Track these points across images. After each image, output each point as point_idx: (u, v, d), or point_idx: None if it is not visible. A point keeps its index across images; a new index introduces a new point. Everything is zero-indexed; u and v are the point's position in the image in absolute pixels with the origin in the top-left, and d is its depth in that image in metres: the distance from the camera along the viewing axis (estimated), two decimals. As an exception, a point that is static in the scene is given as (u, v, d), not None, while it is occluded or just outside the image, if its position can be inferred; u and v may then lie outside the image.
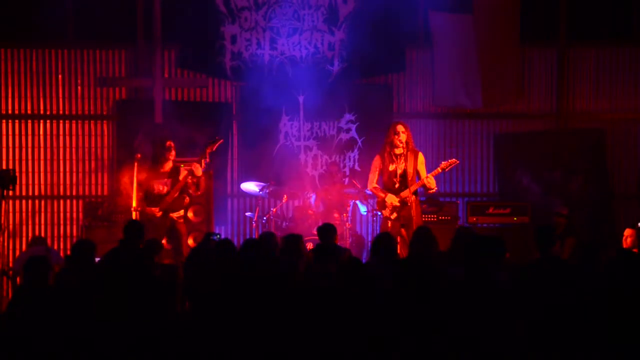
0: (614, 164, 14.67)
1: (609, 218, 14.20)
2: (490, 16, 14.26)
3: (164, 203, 11.36)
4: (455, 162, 11.23)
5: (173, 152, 11.55)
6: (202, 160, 11.41)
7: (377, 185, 11.38)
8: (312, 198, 13.15)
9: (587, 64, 14.98)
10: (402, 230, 11.08)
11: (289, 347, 6.15)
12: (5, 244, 13.38)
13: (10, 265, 12.72)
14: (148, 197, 11.42)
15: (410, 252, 8.36)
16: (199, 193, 11.86)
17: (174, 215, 11.47)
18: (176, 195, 11.40)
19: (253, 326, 6.26)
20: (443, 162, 11.21)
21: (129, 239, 9.17)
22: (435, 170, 11.17)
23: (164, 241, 11.28)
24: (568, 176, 14.29)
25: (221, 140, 11.81)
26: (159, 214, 11.34)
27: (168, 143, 11.54)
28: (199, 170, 11.32)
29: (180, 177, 11.38)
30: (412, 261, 7.71)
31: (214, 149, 11.62)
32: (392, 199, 11.10)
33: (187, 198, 11.82)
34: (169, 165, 11.54)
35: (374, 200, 11.97)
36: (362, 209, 13.01)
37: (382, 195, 11.21)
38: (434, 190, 11.21)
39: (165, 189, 11.43)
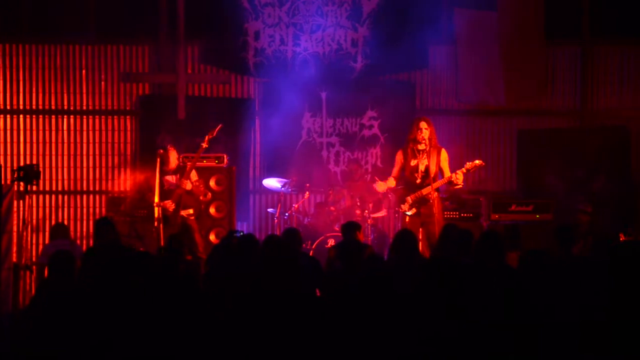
0: (638, 162, 14.57)
1: (633, 216, 14.10)
2: (514, 13, 14.20)
3: (175, 197, 11.53)
4: (481, 163, 11.13)
5: (172, 152, 11.87)
6: (202, 146, 11.62)
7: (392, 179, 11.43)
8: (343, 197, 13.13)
9: (611, 61, 14.90)
10: (421, 227, 11.08)
11: (312, 344, 6.14)
12: (29, 238, 13.44)
13: (34, 259, 12.76)
14: (161, 193, 11.54)
15: (437, 251, 8.33)
16: (209, 197, 12.04)
17: (184, 212, 11.60)
18: (187, 189, 11.55)
19: (272, 326, 6.26)
20: (468, 163, 11.12)
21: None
22: (459, 171, 11.09)
23: None
24: (591, 174, 14.21)
25: (220, 125, 11.93)
26: (172, 207, 11.48)
27: (160, 151, 11.78)
28: (187, 185, 11.54)
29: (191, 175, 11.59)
30: (439, 261, 7.66)
31: (214, 134, 11.75)
32: (380, 187, 11.26)
33: (209, 194, 11.90)
34: (175, 163, 11.85)
35: (394, 197, 11.94)
36: (380, 213, 13.05)
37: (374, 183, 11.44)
38: (460, 186, 11.17)
39: (173, 186, 11.62)
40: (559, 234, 8.24)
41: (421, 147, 11.15)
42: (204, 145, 11.69)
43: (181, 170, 11.70)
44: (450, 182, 11.02)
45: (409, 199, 11.14)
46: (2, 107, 14.32)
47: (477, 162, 11.17)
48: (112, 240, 9.66)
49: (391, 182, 11.36)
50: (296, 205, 13.03)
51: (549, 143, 14.44)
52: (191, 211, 11.74)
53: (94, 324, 6.42)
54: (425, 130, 11.13)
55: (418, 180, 11.14)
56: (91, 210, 14.42)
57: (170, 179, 11.73)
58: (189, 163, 11.78)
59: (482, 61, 14.26)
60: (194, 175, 11.75)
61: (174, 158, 11.86)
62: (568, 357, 5.90)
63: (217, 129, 11.75)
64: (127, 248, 9.70)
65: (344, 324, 6.19)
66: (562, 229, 8.20)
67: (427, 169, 11.10)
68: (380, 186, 11.35)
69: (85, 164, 14.44)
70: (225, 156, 12.67)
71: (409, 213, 11.11)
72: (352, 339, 6.07)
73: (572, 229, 8.67)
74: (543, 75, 14.62)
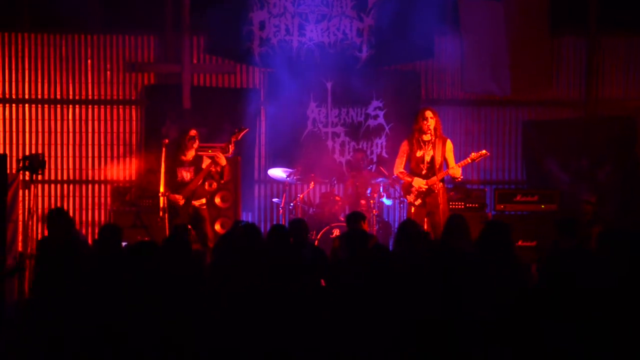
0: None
1: (638, 207, 14.10)
2: (520, 3, 14.17)
3: (186, 191, 11.43)
4: (486, 154, 11.16)
5: (197, 142, 11.60)
6: (228, 148, 11.47)
7: (403, 170, 11.36)
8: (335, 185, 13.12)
9: (617, 52, 14.87)
10: (426, 218, 11.08)
11: (316, 333, 6.16)
12: (34, 227, 13.48)
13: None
14: (172, 184, 11.47)
15: (442, 241, 8.34)
16: (223, 182, 11.91)
17: (196, 202, 11.53)
18: (199, 183, 11.47)
19: (277, 315, 6.27)
20: (473, 153, 11.16)
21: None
22: (465, 161, 11.15)
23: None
24: (596, 164, 14.21)
25: (247, 129, 11.85)
26: (182, 201, 11.41)
27: (192, 132, 11.59)
28: (222, 160, 11.37)
29: (203, 166, 11.45)
30: (443, 250, 7.67)
31: (239, 137, 11.66)
32: (419, 182, 11.09)
33: (215, 184, 11.87)
34: (191, 154, 11.60)
35: (399, 187, 11.95)
36: (388, 202, 12.99)
37: (409, 179, 11.20)
38: (460, 179, 11.22)
39: (189, 176, 11.51)
40: (559, 226, 8.27)
41: (426, 137, 11.17)
42: (232, 148, 11.56)
43: (196, 163, 11.56)
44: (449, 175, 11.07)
45: (414, 189, 11.15)
46: (7, 97, 14.34)
47: (482, 152, 11.18)
48: (65, 232, 9.58)
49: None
50: (301, 195, 13.03)
51: (554, 133, 14.44)
52: (204, 200, 11.66)
53: (97, 312, 6.44)
54: (430, 119, 11.14)
55: (424, 172, 11.16)
56: (96, 199, 14.43)
57: (186, 172, 11.57)
58: (208, 156, 11.55)
59: (488, 51, 14.23)
60: (222, 159, 11.52)
61: (194, 148, 11.65)
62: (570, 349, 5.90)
63: (242, 133, 11.67)
64: (79, 240, 9.69)
65: (349, 313, 6.21)
66: (563, 221, 8.23)
67: (432, 159, 11.12)
68: (418, 182, 11.20)
69: (90, 154, 14.45)
70: (209, 151, 12.63)
71: (416, 204, 11.12)
72: (356, 327, 6.09)
73: (573, 221, 8.69)
74: (549, 66, 14.59)
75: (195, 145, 11.59)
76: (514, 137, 14.86)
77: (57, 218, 9.71)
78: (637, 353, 5.79)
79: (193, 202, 11.49)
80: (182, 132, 11.75)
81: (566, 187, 13.82)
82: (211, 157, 11.45)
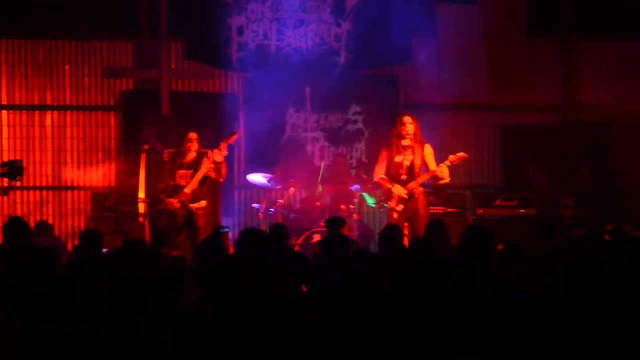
0: (622, 157, 14.64)
1: (614, 209, 14.19)
2: (495, 7, 14.27)
3: (183, 195, 11.28)
4: (464, 156, 11.10)
5: (195, 144, 11.45)
6: (219, 152, 11.34)
7: (384, 176, 11.34)
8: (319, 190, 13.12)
9: (593, 57, 15.00)
10: (406, 223, 11.06)
11: (299, 339, 6.16)
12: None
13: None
14: (168, 188, 11.34)
15: (422, 245, 8.34)
16: (221, 180, 11.76)
17: (194, 206, 11.37)
18: (196, 187, 11.33)
19: (259, 319, 6.27)
20: (451, 156, 11.11)
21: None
22: (443, 164, 11.09)
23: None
24: (574, 168, 14.30)
25: (238, 134, 11.76)
26: (178, 205, 11.27)
27: (191, 135, 11.43)
28: (219, 157, 11.22)
29: (201, 168, 11.30)
30: (423, 255, 7.68)
31: (230, 141, 11.57)
32: (399, 190, 11.05)
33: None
34: (191, 156, 11.44)
35: (380, 192, 11.95)
36: (370, 201, 12.98)
37: (389, 186, 11.17)
38: (446, 181, 11.08)
39: (185, 180, 11.34)
40: (540, 230, 8.31)
41: (405, 142, 11.14)
42: (225, 153, 11.46)
43: (195, 166, 11.39)
44: (435, 177, 11.01)
45: (395, 196, 11.13)
46: (-16, 103, 14.30)
47: (460, 154, 11.13)
48: (24, 241, 9.46)
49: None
50: (281, 201, 13.02)
51: (532, 138, 14.53)
52: (204, 203, 11.42)
53: (76, 319, 6.42)
54: (409, 125, 11.11)
55: (403, 177, 11.12)
56: (76, 206, 14.39)
57: (184, 175, 11.44)
58: (206, 157, 11.44)
59: (465, 55, 14.31)
60: (218, 156, 11.25)
61: (193, 151, 11.46)
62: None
63: (234, 137, 11.56)
64: (40, 249, 9.58)
65: (330, 318, 6.21)
66: (543, 226, 8.28)
67: (412, 164, 11.09)
68: (398, 189, 11.15)
69: (69, 160, 14.41)
70: (209, 151, 12.62)
71: (397, 209, 11.10)
72: (337, 333, 6.09)
73: (553, 224, 8.73)
74: (526, 70, 14.68)
75: (195, 148, 11.44)
76: (493, 142, 14.93)
77: (13, 227, 9.55)
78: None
79: (190, 205, 11.33)
80: (181, 134, 11.54)
81: (544, 190, 13.89)
82: (210, 155, 11.27)
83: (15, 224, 9.24)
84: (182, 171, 11.38)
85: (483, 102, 14.62)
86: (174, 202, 11.27)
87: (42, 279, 7.17)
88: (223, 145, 11.38)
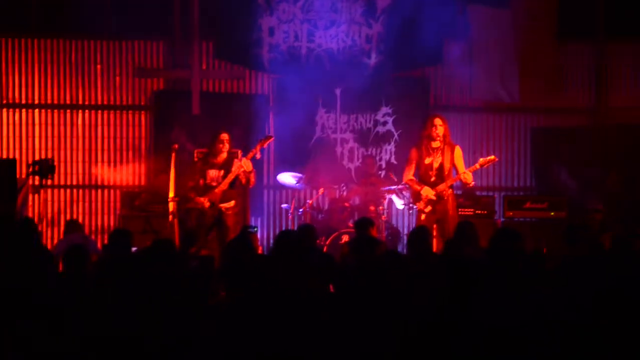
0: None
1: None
2: (527, 11, 14.21)
3: (213, 195, 11.34)
4: (494, 159, 11.13)
5: (227, 145, 11.49)
6: (253, 154, 11.41)
7: (413, 178, 11.33)
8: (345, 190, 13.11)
9: (626, 60, 14.88)
10: (435, 224, 11.05)
11: (326, 341, 6.16)
12: (44, 232, 13.53)
13: (49, 253, 12.81)
14: (198, 187, 11.40)
15: (450, 248, 8.32)
16: (250, 187, 11.84)
17: (224, 205, 11.41)
18: (225, 188, 11.37)
19: (285, 319, 6.27)
20: (481, 159, 11.14)
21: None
22: (473, 167, 11.13)
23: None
24: (605, 172, 14.20)
25: (272, 138, 11.82)
26: (207, 204, 11.32)
27: (222, 136, 11.47)
28: (249, 166, 11.30)
29: (232, 169, 11.35)
30: (452, 257, 7.66)
31: (265, 145, 11.62)
32: (427, 192, 11.05)
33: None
34: (222, 157, 11.49)
35: (409, 193, 11.94)
36: (398, 202, 12.97)
37: (418, 187, 11.17)
38: (471, 185, 11.18)
39: (216, 181, 11.40)
40: (567, 233, 8.26)
41: (435, 144, 11.14)
42: (258, 156, 11.51)
43: (226, 167, 11.45)
44: (460, 181, 11.04)
45: (423, 198, 11.12)
46: (17, 102, 14.39)
47: (490, 157, 11.16)
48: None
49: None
50: (310, 201, 13.03)
51: (563, 141, 14.43)
52: (232, 203, 11.50)
53: (104, 317, 6.45)
54: (440, 127, 11.11)
55: (433, 179, 11.12)
56: (106, 205, 14.48)
57: (215, 175, 11.48)
58: (237, 160, 11.48)
59: (496, 58, 14.27)
60: (248, 165, 11.45)
61: (225, 152, 11.52)
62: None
63: (268, 141, 11.63)
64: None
65: (357, 319, 6.21)
66: (571, 229, 8.23)
67: (441, 166, 11.09)
68: (427, 191, 11.14)
69: (100, 159, 14.49)
70: (239, 152, 12.65)
71: (426, 211, 11.09)
72: (364, 333, 6.09)
73: (581, 228, 8.68)
74: (557, 73, 14.61)
75: (226, 149, 11.48)
76: (523, 144, 14.86)
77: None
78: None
79: (220, 205, 11.38)
80: (213, 135, 11.61)
81: (575, 194, 13.80)
82: (239, 163, 11.34)
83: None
84: (213, 171, 11.43)
85: (514, 104, 14.55)
86: (204, 202, 11.31)
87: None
88: (257, 148, 11.43)
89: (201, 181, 11.39)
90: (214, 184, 11.35)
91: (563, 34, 14.42)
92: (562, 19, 14.36)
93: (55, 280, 7.54)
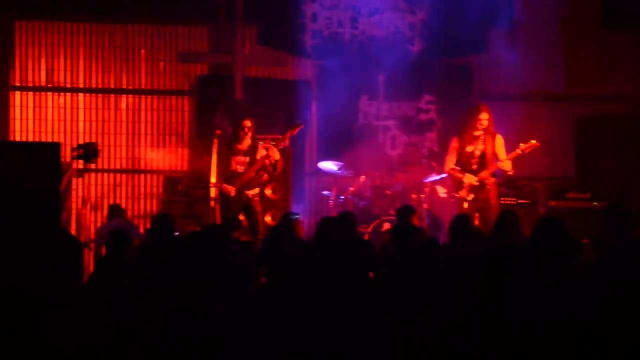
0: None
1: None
2: (572, -1, 14.14)
3: (239, 182, 11.41)
4: (535, 144, 11.07)
5: (251, 131, 11.55)
6: (282, 142, 11.46)
7: (454, 166, 11.30)
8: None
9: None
10: (477, 213, 11.02)
11: (367, 329, 6.17)
12: (88, 216, 13.65)
13: (92, 237, 12.94)
14: (225, 174, 11.47)
15: (491, 237, 8.30)
16: (276, 174, 11.88)
17: (250, 192, 11.50)
18: (252, 175, 11.44)
19: (324, 307, 6.28)
20: (522, 144, 11.08)
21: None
22: (514, 152, 11.08)
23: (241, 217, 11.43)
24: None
25: (302, 126, 11.85)
26: (234, 192, 11.39)
27: (245, 122, 11.53)
28: (276, 154, 11.35)
29: (258, 157, 11.42)
30: (494, 246, 7.63)
31: (294, 133, 11.65)
32: (470, 179, 11.03)
33: (266, 175, 11.87)
34: (247, 143, 11.55)
35: (451, 182, 11.91)
36: (441, 190, 12.94)
37: (460, 175, 11.15)
38: (511, 173, 11.13)
39: (242, 167, 11.47)
40: (606, 219, 8.18)
41: (477, 132, 11.12)
42: (286, 144, 11.59)
43: (251, 153, 11.53)
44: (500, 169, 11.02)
45: (466, 185, 11.10)
46: (62, 86, 14.51)
47: (531, 142, 11.09)
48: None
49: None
50: (352, 189, 13.02)
51: (608, 129, 14.30)
52: (257, 191, 11.61)
53: (146, 302, 6.49)
54: (484, 120, 11.10)
55: (474, 166, 11.10)
56: (148, 189, 14.56)
57: (240, 162, 11.52)
58: (262, 147, 11.53)
59: (542, 45, 14.17)
60: (276, 153, 11.52)
61: (248, 137, 11.55)
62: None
63: (297, 129, 11.68)
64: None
65: (397, 306, 6.21)
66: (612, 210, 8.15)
67: (483, 154, 11.07)
68: (469, 178, 11.13)
69: (143, 143, 14.58)
70: (269, 146, 12.64)
71: (468, 199, 11.07)
72: (404, 321, 6.09)
73: (625, 210, 8.56)
74: (603, 60, 14.48)
75: (250, 135, 11.54)
76: (567, 133, 14.73)
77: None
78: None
79: (246, 192, 11.47)
80: (236, 122, 11.71)
81: (619, 183, 13.67)
82: (266, 148, 11.44)
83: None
84: (239, 157, 11.49)
85: (558, 92, 14.45)
86: (230, 189, 11.37)
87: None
88: (287, 136, 11.46)
89: (228, 168, 11.44)
90: (241, 170, 11.42)
91: (608, 20, 14.28)
92: (607, 5, 14.23)
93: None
